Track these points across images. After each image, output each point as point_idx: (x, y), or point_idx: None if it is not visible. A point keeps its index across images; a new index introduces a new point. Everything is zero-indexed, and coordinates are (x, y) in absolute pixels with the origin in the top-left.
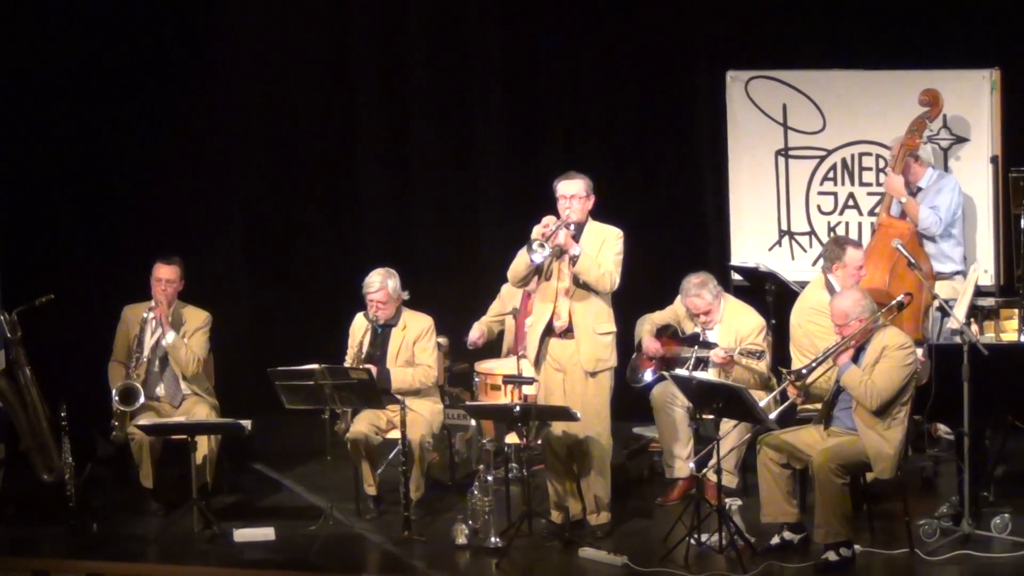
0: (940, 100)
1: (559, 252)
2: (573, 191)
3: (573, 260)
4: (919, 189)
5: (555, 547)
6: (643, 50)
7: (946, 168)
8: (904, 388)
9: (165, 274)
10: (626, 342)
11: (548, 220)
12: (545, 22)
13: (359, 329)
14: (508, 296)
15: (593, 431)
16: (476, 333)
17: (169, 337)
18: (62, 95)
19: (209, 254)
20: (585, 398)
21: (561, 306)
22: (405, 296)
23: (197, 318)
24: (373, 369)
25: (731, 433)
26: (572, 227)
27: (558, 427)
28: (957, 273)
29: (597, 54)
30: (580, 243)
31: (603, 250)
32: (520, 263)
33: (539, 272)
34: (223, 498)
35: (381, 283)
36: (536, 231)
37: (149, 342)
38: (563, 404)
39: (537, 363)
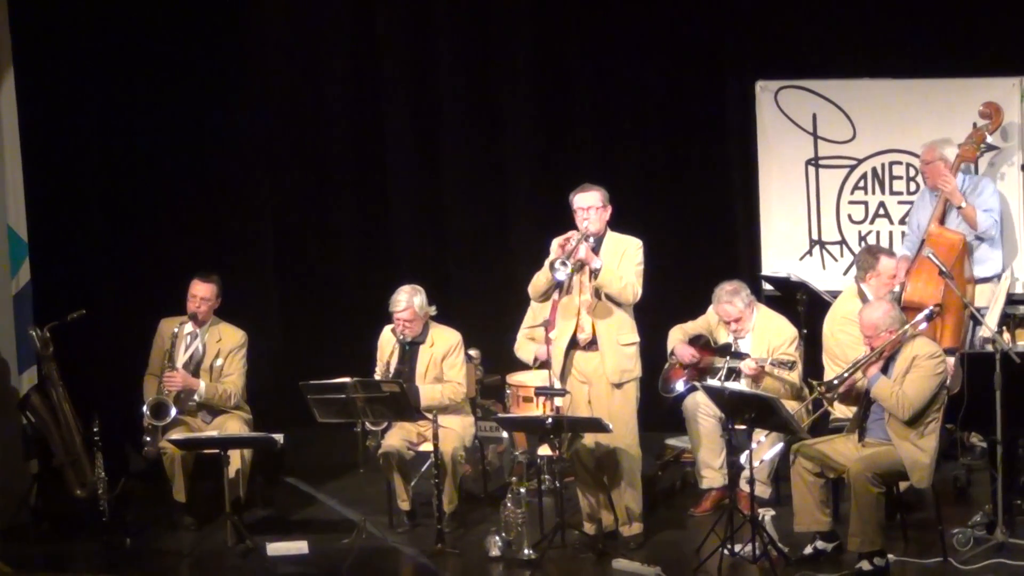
0: (1001, 113)
1: (580, 266)
2: (589, 203)
3: (594, 273)
4: None
5: (588, 559)
6: (673, 60)
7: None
8: (935, 397)
9: (201, 292)
10: (656, 352)
11: (568, 235)
12: (575, 33)
13: (387, 345)
14: (538, 308)
15: (622, 442)
16: (540, 350)
17: (201, 389)
18: (94, 110)
19: (241, 268)
20: (611, 409)
21: (584, 319)
22: (432, 311)
23: (234, 338)
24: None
25: (764, 443)
26: (592, 240)
27: (587, 439)
28: (997, 276)
29: (627, 65)
30: (600, 255)
31: (623, 261)
32: (541, 279)
33: (560, 286)
34: (256, 512)
35: (407, 302)
36: (554, 246)
37: (182, 357)
38: (590, 416)
39: (562, 377)
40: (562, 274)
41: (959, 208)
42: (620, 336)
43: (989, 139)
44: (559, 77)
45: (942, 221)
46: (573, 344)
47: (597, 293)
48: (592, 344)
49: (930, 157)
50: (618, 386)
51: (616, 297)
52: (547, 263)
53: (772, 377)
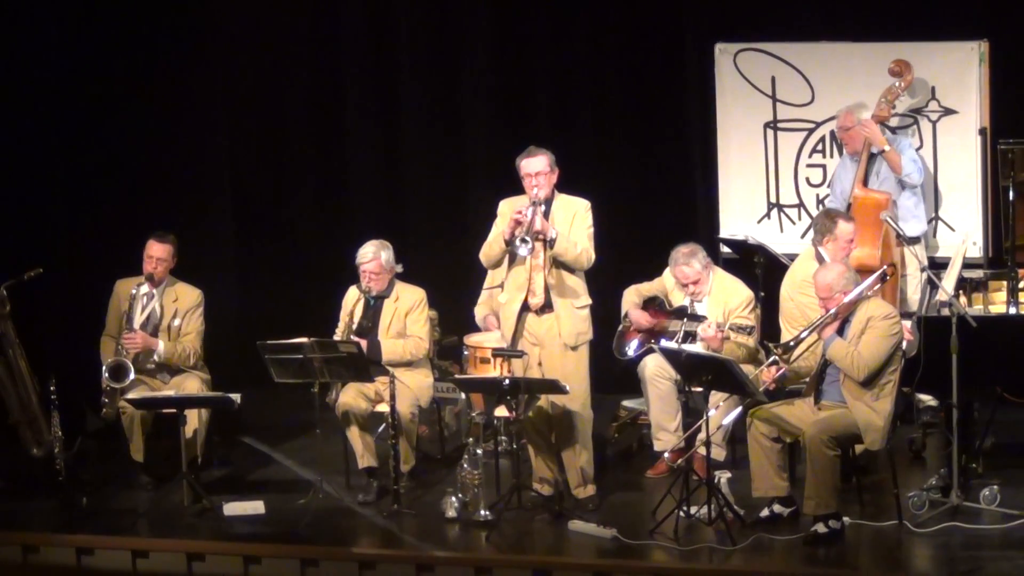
0: (911, 70)
1: (536, 235)
2: (538, 168)
3: (551, 243)
4: (873, 156)
5: (544, 520)
6: (631, 23)
7: (934, 140)
8: (890, 358)
9: (156, 252)
10: (611, 314)
11: (519, 210)
12: None
13: (351, 300)
14: (496, 270)
15: (576, 404)
16: (490, 320)
17: (160, 349)
18: (50, 68)
19: (199, 227)
20: (565, 372)
21: (536, 283)
22: (399, 269)
23: (190, 297)
24: (362, 343)
25: (721, 407)
26: (542, 205)
27: (541, 402)
28: (921, 236)
29: (585, 27)
30: (550, 219)
31: (575, 225)
32: (494, 248)
33: (515, 256)
34: (213, 472)
35: (375, 254)
36: (503, 208)
37: (139, 318)
38: (547, 378)
39: (513, 340)
40: (524, 250)
41: (882, 152)
42: (575, 299)
43: (902, 96)
44: (517, 40)
45: (865, 183)
46: (525, 307)
47: (554, 260)
48: (544, 308)
49: (848, 123)
50: (573, 348)
51: (572, 264)
52: (498, 232)
53: (729, 341)
